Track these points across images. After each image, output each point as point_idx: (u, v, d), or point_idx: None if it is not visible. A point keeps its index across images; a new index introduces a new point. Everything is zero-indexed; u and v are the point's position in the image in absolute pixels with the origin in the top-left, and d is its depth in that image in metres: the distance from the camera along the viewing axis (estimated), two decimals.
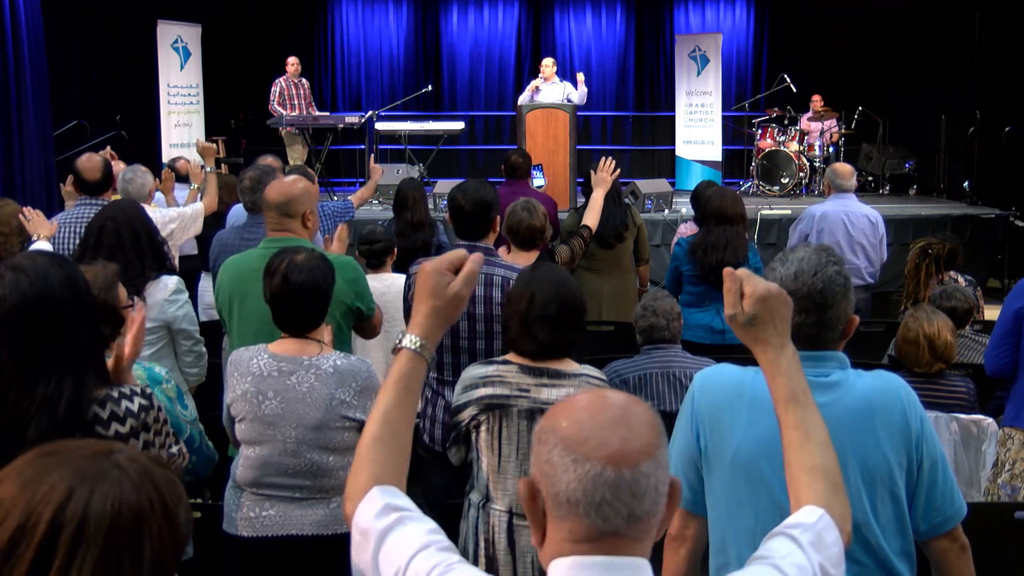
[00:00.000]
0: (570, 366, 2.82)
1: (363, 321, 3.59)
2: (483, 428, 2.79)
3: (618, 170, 5.05)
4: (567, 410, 1.28)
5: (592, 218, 4.78)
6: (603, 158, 4.98)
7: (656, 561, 1.70)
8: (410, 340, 1.59)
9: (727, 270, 1.64)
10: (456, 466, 3.01)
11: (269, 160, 5.38)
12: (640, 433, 1.24)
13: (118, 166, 5.93)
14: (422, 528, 1.41)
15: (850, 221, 5.99)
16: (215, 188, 5.33)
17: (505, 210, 4.42)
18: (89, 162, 4.87)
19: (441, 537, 1.40)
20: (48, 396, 1.99)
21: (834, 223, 5.97)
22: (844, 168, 6.31)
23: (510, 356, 2.84)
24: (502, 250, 4.23)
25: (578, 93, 10.13)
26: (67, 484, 1.15)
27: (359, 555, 1.43)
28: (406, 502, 1.46)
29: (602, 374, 2.93)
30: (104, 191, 4.87)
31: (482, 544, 2.75)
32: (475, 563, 2.74)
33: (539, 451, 1.27)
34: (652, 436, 1.25)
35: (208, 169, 5.40)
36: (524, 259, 4.26)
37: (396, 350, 1.60)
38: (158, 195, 5.91)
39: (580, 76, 10.57)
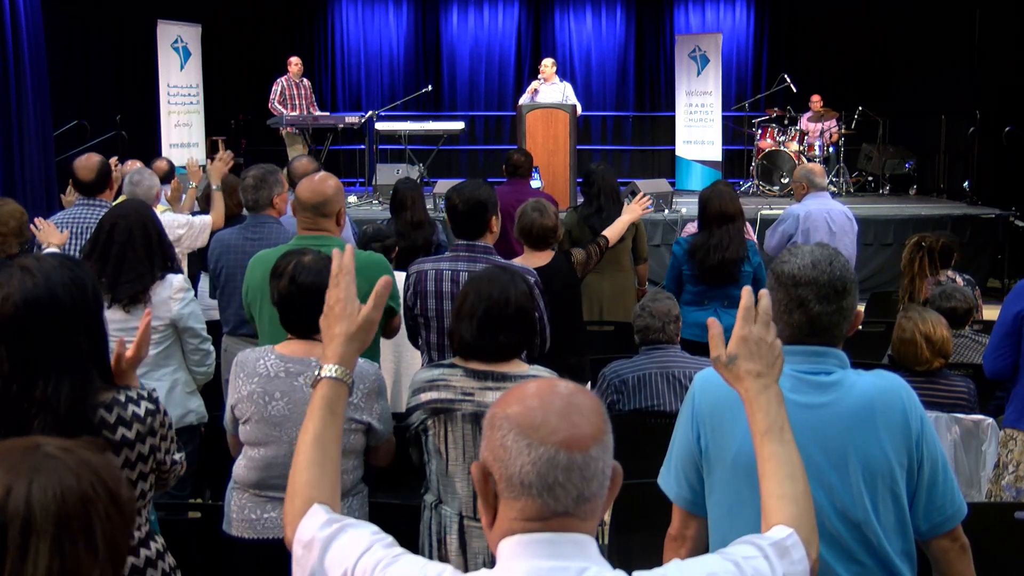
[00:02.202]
0: (517, 368, 2.81)
1: (390, 319, 3.63)
2: (431, 432, 2.80)
3: (651, 207, 5.15)
4: (519, 397, 1.35)
5: (613, 233, 4.84)
6: (641, 194, 5.06)
7: (656, 562, 1.70)
8: (329, 370, 1.66)
9: (745, 296, 1.71)
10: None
11: (303, 162, 5.34)
12: (590, 419, 1.32)
13: (128, 166, 5.92)
14: (366, 531, 1.48)
15: (831, 219, 6.09)
16: (222, 206, 5.30)
17: (515, 211, 4.44)
18: (86, 162, 4.83)
19: (383, 536, 1.47)
20: (47, 397, 2.00)
21: (817, 222, 6.04)
22: (818, 167, 6.54)
23: (456, 360, 2.85)
24: (520, 258, 4.24)
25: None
26: (2, 482, 1.16)
27: (301, 570, 1.49)
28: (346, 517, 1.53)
29: (553, 374, 2.91)
30: (100, 192, 4.81)
31: (435, 545, 2.77)
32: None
33: (492, 436, 1.33)
34: (599, 422, 1.33)
35: (215, 187, 5.38)
36: (538, 259, 4.28)
37: (317, 381, 1.66)
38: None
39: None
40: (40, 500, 1.16)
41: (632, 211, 4.92)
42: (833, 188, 11.16)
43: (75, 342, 2.06)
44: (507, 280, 2.82)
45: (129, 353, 2.33)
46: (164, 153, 10.59)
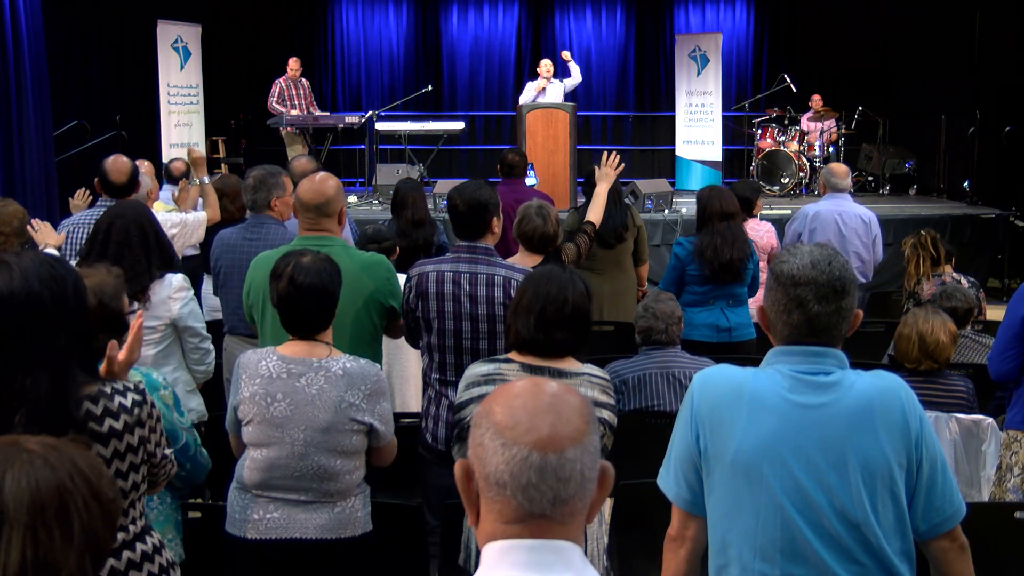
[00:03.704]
0: (572, 365, 2.82)
1: (393, 320, 3.63)
2: None
3: (622, 165, 5.07)
4: (502, 396, 1.33)
5: (595, 214, 4.79)
6: (606, 153, 4.98)
7: (656, 561, 1.71)
8: None
9: None
10: None
11: (303, 161, 5.34)
12: (569, 420, 1.28)
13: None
14: None
15: (843, 221, 6.07)
16: (215, 198, 5.28)
17: (516, 212, 4.43)
18: (118, 164, 4.77)
19: None
20: (25, 391, 1.99)
21: (826, 222, 6.04)
22: (840, 168, 6.44)
23: (512, 355, 2.85)
24: (513, 258, 4.23)
25: (572, 79, 10.45)
26: None
27: None
28: None
29: (605, 373, 2.93)
30: (128, 195, 4.74)
31: None
32: (476, 560, 2.75)
33: (474, 434, 1.32)
34: (581, 423, 1.29)
35: (206, 179, 5.35)
36: (531, 261, 4.27)
37: None
38: (165, 196, 5.89)
39: (566, 55, 10.81)
40: (13, 491, 1.18)
41: (606, 176, 4.84)
42: None
43: (55, 337, 2.04)
44: (566, 279, 2.83)
45: (120, 356, 2.33)
46: (164, 153, 10.60)
